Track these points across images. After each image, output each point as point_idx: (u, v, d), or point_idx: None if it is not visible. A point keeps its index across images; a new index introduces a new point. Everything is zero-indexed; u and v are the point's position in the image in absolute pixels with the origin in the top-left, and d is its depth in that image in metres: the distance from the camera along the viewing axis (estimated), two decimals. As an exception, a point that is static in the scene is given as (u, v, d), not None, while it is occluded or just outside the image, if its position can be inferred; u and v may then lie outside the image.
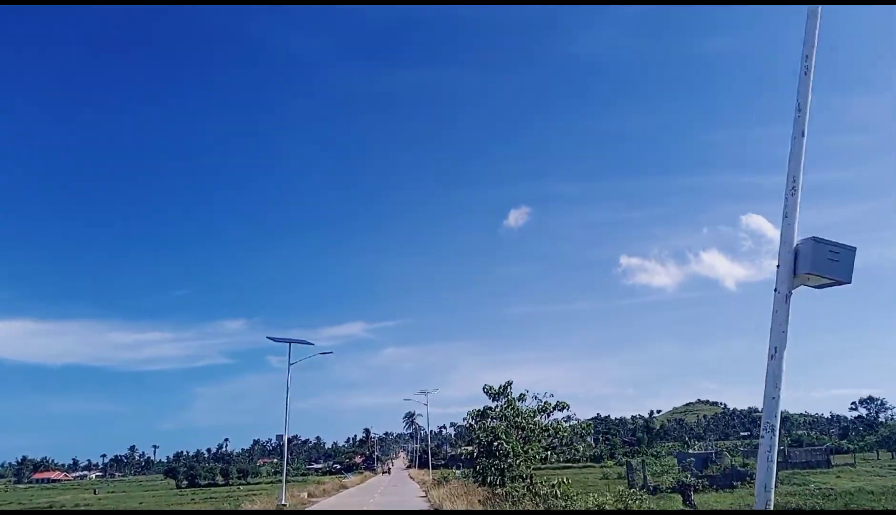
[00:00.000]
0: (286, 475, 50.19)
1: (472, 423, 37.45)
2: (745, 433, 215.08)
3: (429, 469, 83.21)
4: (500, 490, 24.98)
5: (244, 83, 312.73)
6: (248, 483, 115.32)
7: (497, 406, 36.71)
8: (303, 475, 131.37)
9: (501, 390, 36.37)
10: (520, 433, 34.40)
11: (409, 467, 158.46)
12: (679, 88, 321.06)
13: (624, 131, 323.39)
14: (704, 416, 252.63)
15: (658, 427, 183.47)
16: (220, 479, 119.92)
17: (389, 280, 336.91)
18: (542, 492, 24.71)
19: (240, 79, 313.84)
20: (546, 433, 35.55)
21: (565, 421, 37.39)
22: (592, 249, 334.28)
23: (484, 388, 36.82)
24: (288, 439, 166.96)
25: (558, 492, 24.48)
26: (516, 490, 25.04)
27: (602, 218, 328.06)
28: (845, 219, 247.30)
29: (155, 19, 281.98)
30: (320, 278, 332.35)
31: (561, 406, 37.88)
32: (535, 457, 26.64)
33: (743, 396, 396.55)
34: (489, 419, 36.40)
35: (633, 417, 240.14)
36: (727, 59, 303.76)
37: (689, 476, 51.69)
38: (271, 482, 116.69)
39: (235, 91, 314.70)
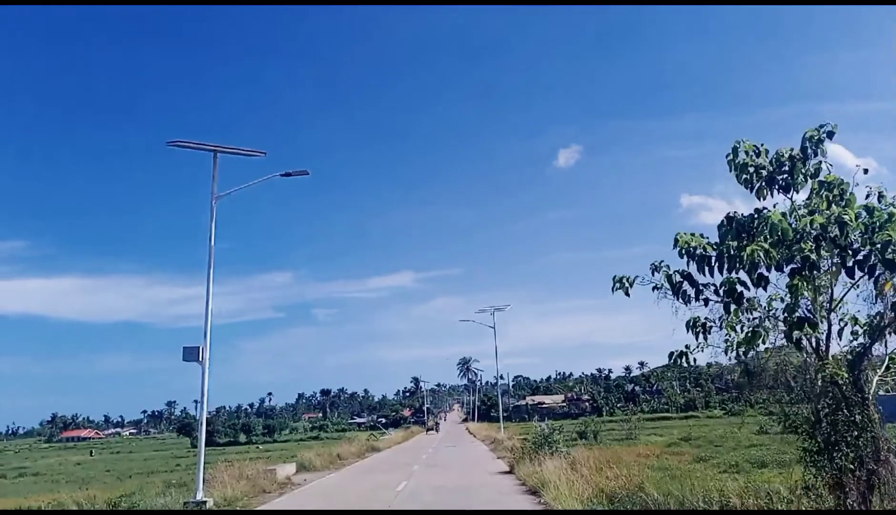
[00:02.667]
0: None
1: (699, 254, 10.07)
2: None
3: (497, 422, 58.65)
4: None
5: (287, 32, 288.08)
6: (274, 442, 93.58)
7: (777, 205, 9.98)
8: (340, 430, 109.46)
9: (798, 155, 10.09)
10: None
11: (465, 420, 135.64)
12: (744, 18, 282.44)
13: (682, 66, 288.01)
14: (748, 368, 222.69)
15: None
16: (242, 437, 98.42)
17: (439, 227, 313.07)
18: None
19: (283, 28, 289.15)
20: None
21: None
22: (650, 188, 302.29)
23: (737, 154, 10.37)
24: (331, 391, 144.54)
25: None
26: None
27: (659, 156, 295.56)
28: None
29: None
30: (368, 226, 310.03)
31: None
32: None
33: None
34: (749, 237, 9.73)
35: (707, 364, 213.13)
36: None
37: None
38: (301, 439, 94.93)
39: (278, 40, 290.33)
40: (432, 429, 75.37)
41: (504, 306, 42.48)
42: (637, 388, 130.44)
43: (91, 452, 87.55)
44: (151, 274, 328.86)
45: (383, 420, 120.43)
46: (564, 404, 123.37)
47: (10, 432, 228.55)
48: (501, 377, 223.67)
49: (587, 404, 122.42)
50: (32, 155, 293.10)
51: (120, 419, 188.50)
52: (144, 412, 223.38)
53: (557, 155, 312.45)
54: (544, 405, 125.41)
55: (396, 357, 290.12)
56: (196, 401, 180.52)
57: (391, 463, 32.20)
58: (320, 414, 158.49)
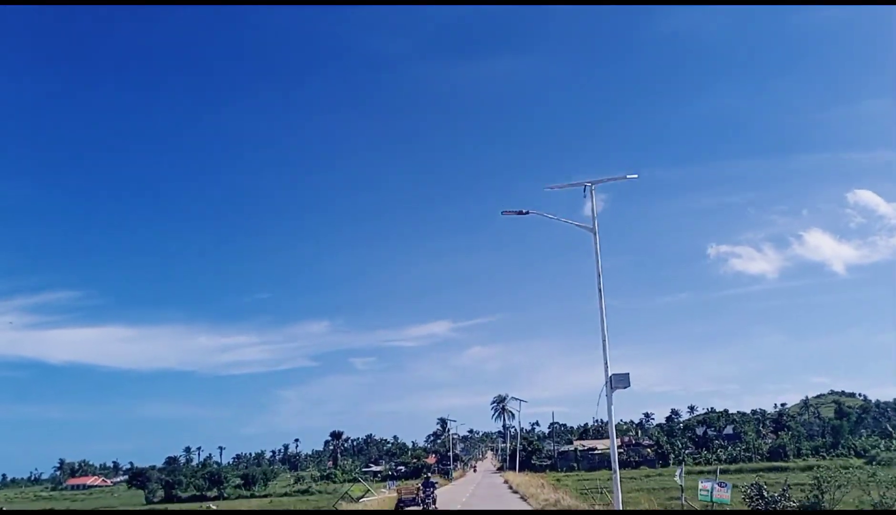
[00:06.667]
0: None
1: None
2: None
3: (542, 472, 30.34)
4: None
5: (322, 85, 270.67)
6: (252, 496, 65.68)
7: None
8: (349, 481, 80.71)
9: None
10: None
11: (500, 469, 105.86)
12: (774, 66, 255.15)
13: (705, 115, 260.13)
14: (841, 408, 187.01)
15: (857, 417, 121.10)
16: (213, 490, 70.42)
17: (474, 277, 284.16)
18: None
19: (318, 80, 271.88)
20: None
21: None
22: (676, 237, 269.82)
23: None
24: (342, 434, 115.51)
25: None
26: None
27: (683, 205, 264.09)
28: None
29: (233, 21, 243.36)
30: (404, 277, 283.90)
31: None
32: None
33: (872, 387, 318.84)
34: None
35: (753, 411, 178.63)
36: (826, 32, 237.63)
37: None
38: (286, 493, 66.80)
39: (311, 92, 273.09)
40: (413, 501, 27.73)
41: (629, 176, 15.18)
42: (710, 431, 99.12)
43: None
44: (193, 323, 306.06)
45: (402, 468, 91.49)
46: (622, 450, 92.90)
47: (32, 478, 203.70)
48: (536, 424, 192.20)
49: (649, 450, 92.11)
50: (80, 208, 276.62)
51: (130, 466, 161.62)
52: (170, 458, 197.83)
53: (583, 203, 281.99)
54: (596, 451, 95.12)
55: (432, 405, 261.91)
56: (221, 448, 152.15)
57: None
58: (330, 462, 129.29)
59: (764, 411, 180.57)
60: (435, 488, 27.27)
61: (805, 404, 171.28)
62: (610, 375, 14.17)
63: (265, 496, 65.60)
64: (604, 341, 14.41)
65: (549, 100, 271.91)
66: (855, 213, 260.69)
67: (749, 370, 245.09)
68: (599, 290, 14.67)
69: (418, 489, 26.94)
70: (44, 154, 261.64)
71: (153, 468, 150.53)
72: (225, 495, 67.81)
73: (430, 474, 31.96)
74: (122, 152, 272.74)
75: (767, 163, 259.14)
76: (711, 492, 15.72)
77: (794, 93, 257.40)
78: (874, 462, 67.77)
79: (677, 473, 18.88)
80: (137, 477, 79.88)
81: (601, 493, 44.20)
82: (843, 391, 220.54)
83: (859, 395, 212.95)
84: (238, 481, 73.32)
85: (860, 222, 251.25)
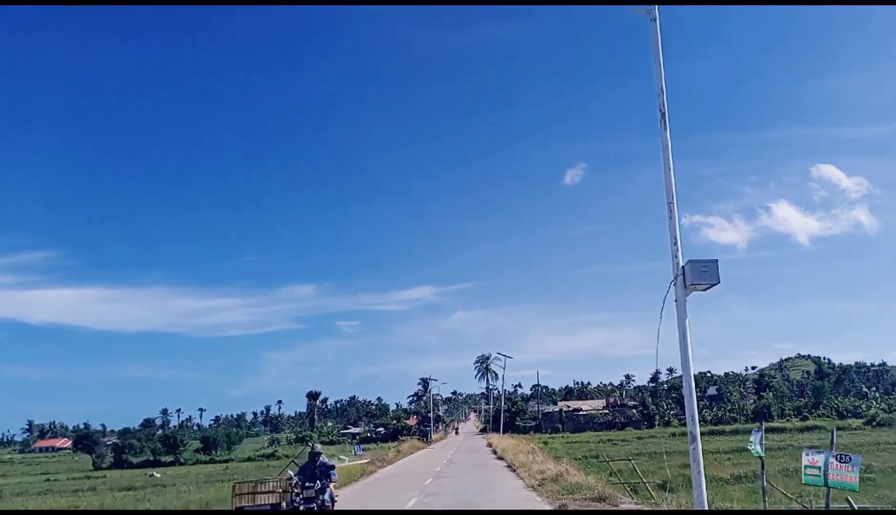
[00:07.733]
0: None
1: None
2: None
3: (526, 433, 22.54)
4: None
5: (313, 46, 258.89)
6: (212, 461, 59.47)
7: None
8: (328, 443, 75.01)
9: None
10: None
11: (482, 430, 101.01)
12: (747, 42, 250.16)
13: (681, 88, 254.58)
14: (822, 370, 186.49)
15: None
16: (170, 456, 63.86)
17: (458, 243, 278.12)
18: None
19: (309, 41, 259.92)
20: None
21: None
22: (653, 206, 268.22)
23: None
24: (319, 394, 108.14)
25: None
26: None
27: (657, 175, 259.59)
28: None
29: None
30: (389, 241, 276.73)
31: None
32: None
33: (832, 353, 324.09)
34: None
35: (726, 373, 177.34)
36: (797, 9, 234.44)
37: None
38: (248, 457, 60.68)
39: (305, 53, 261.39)
40: (272, 510, 12.31)
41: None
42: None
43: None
44: (176, 285, 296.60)
45: (382, 430, 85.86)
46: (607, 411, 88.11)
47: (4, 439, 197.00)
48: (519, 386, 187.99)
49: (634, 411, 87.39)
50: (60, 167, 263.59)
51: (101, 428, 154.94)
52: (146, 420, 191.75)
53: (565, 173, 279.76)
54: (582, 413, 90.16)
55: (417, 368, 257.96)
56: (202, 409, 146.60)
57: None
58: (331, 423, 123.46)
59: (738, 373, 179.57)
60: (331, 478, 12.14)
61: (780, 366, 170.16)
62: (683, 264, 7.58)
63: (225, 461, 59.37)
64: (670, 202, 7.80)
65: (532, 73, 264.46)
66: (818, 186, 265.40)
67: (719, 335, 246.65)
68: (661, 112, 8.02)
69: (289, 483, 12.24)
70: (17, 110, 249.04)
71: (127, 430, 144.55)
72: (182, 460, 61.55)
73: (317, 445, 12.89)
74: (100, 111, 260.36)
75: (738, 136, 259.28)
76: (825, 472, 9.35)
77: (763, 68, 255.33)
78: (874, 423, 63.83)
79: (754, 439, 12.21)
80: (83, 441, 72.40)
81: (595, 459, 38.27)
82: (809, 355, 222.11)
83: (824, 359, 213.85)
84: (197, 444, 66.98)
85: (823, 196, 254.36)
